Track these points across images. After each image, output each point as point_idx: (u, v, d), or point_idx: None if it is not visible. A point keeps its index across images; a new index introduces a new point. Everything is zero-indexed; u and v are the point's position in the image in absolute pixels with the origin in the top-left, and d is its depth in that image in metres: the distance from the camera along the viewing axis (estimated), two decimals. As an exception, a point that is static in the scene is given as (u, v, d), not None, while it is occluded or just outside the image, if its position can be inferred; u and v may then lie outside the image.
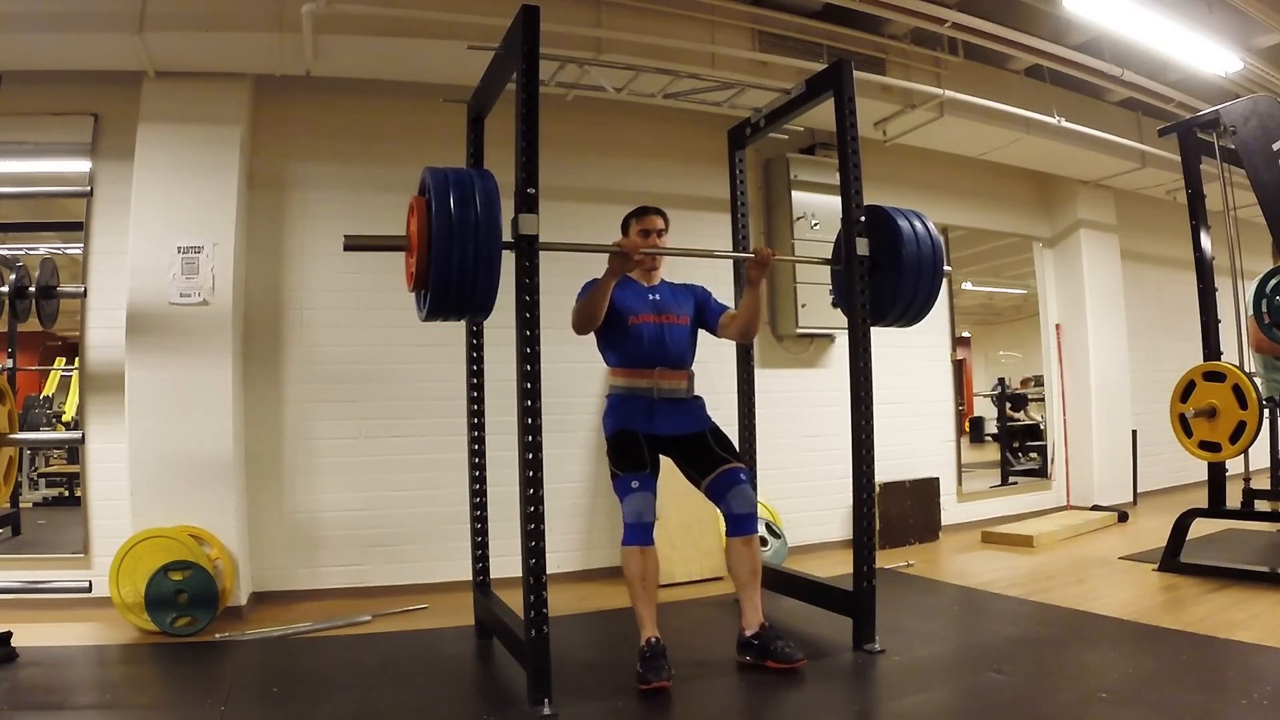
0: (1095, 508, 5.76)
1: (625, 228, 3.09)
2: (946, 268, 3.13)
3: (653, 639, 2.60)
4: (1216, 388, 3.70)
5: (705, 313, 3.09)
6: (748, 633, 2.75)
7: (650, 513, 2.71)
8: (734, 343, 3.45)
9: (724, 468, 2.84)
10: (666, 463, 2.92)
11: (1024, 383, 8.69)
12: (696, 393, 3.00)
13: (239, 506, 3.68)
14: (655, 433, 2.87)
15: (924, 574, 4.22)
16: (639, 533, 2.68)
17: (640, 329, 2.91)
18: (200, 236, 3.64)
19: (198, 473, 3.56)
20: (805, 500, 4.76)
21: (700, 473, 2.88)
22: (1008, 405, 7.67)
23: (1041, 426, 6.71)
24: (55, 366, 5.10)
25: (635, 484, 2.72)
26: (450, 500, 3.78)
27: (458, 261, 2.34)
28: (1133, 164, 5.74)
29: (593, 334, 2.94)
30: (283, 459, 3.93)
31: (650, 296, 2.99)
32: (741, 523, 2.79)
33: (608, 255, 2.76)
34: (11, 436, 3.03)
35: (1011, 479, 6.79)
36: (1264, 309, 3.62)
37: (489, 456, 3.26)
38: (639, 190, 4.18)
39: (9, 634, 2.92)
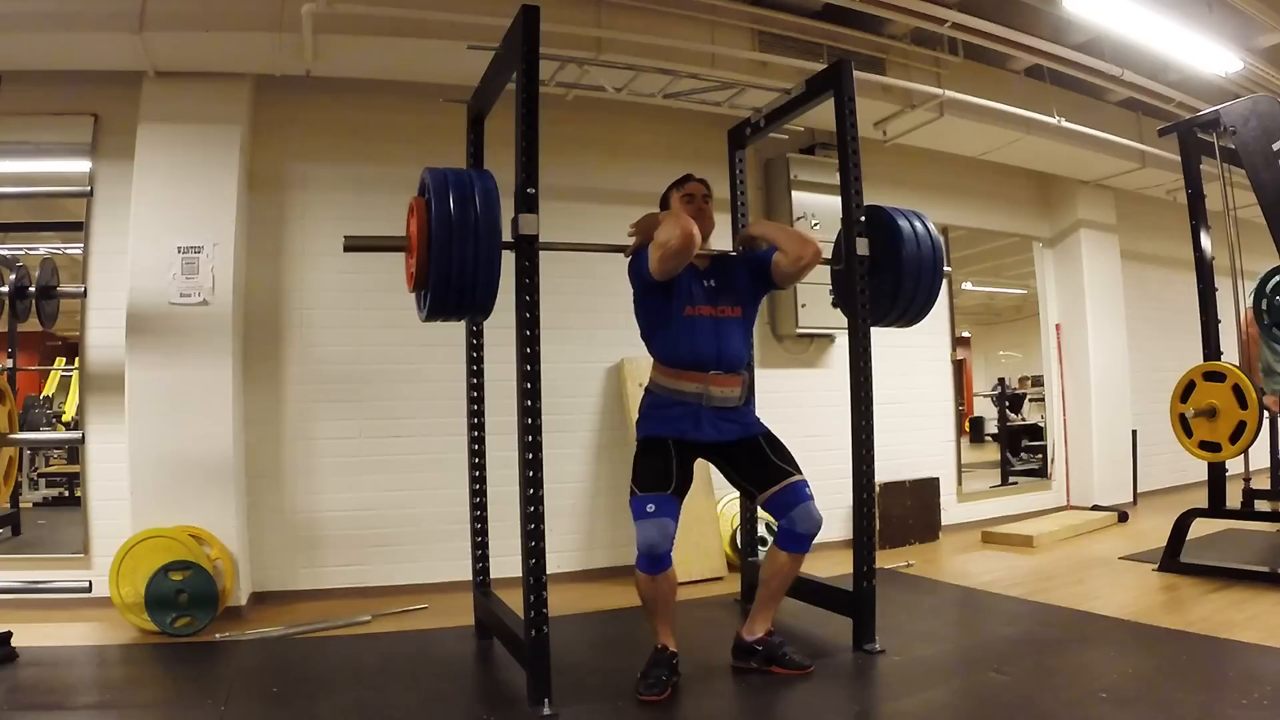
0: (1095, 508, 5.76)
1: (665, 201, 2.86)
2: (946, 268, 3.13)
3: (660, 646, 2.58)
4: (1216, 388, 3.70)
5: (764, 269, 2.76)
6: (750, 638, 2.71)
7: (666, 541, 2.49)
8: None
9: (788, 482, 2.63)
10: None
11: (1021, 382, 8.72)
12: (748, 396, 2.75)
13: (239, 506, 3.68)
14: (700, 439, 2.64)
15: (924, 574, 4.21)
16: (651, 563, 2.51)
17: (695, 323, 2.65)
18: (200, 236, 3.64)
19: (198, 473, 3.56)
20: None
21: (758, 485, 2.68)
22: (1006, 406, 7.67)
23: (1042, 426, 6.71)
24: (55, 366, 5.11)
25: (651, 507, 2.50)
26: (450, 500, 3.77)
27: (458, 262, 2.34)
28: (1133, 164, 5.74)
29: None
30: (283, 459, 3.92)
31: (705, 283, 2.73)
32: (799, 541, 2.63)
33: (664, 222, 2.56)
34: (11, 436, 3.03)
35: (1011, 479, 6.79)
36: (1264, 308, 3.62)
37: (489, 456, 3.26)
38: (639, 190, 4.15)
39: (9, 634, 2.92)
